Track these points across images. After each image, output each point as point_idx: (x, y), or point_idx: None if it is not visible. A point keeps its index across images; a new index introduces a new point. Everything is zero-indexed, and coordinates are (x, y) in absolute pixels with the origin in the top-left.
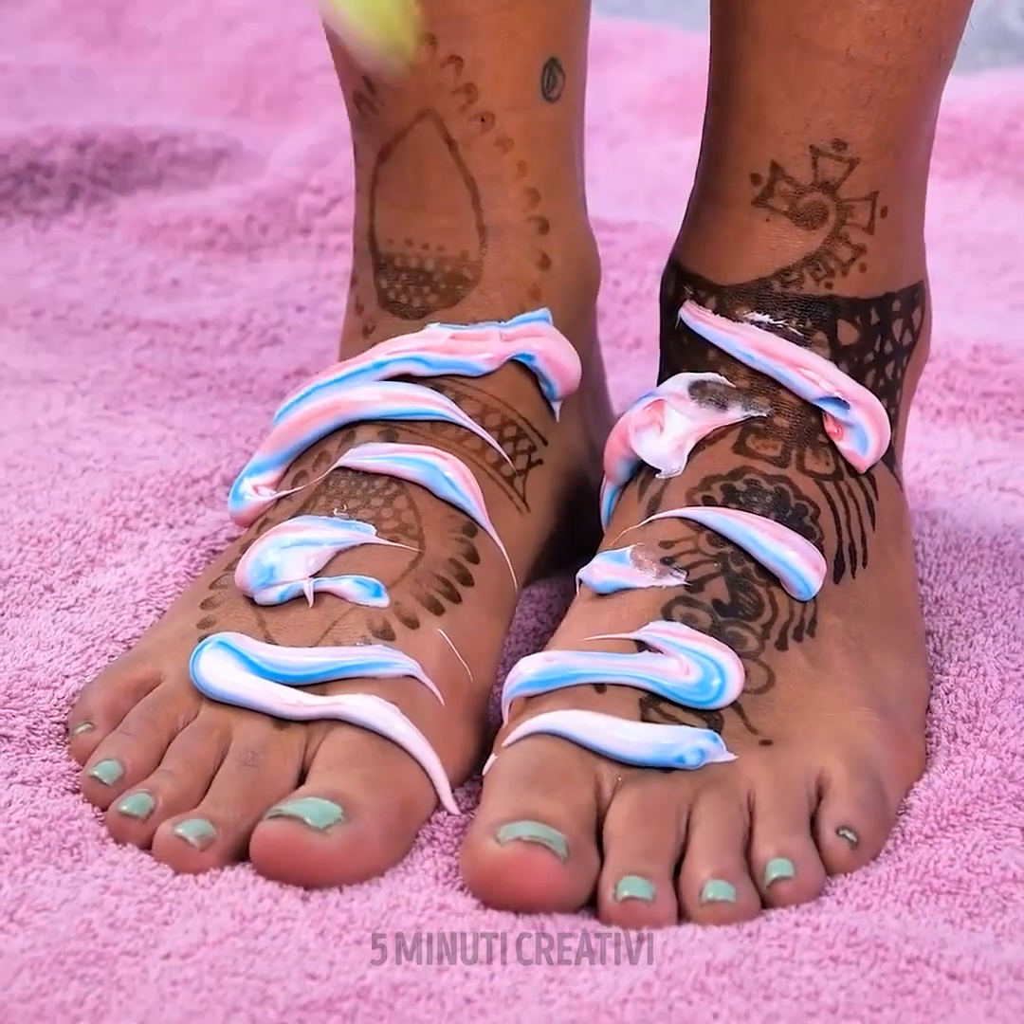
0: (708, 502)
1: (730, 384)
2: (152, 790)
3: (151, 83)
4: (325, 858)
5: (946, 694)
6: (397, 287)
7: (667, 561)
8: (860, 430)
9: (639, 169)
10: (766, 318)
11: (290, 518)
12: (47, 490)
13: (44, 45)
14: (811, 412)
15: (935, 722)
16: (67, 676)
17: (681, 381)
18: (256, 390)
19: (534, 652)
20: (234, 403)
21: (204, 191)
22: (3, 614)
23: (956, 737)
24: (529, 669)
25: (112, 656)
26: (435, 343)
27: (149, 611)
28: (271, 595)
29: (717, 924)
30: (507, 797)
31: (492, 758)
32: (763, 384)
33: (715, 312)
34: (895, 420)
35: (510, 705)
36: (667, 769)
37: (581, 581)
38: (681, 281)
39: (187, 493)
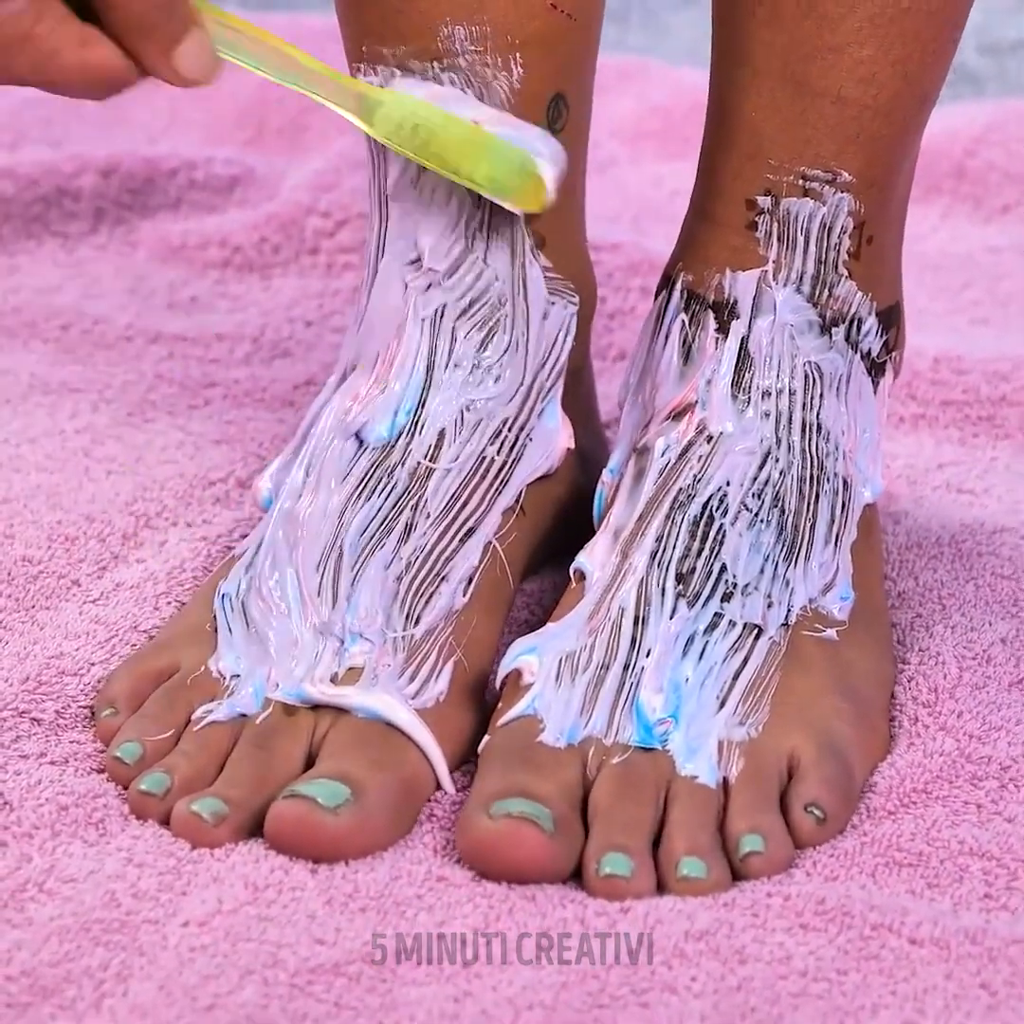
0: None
1: None
2: (169, 769)
3: (171, 115)
4: (335, 835)
5: (908, 681)
6: None
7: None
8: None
9: (624, 192)
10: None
11: None
12: (74, 492)
13: None
14: None
15: (898, 707)
16: (93, 664)
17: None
18: (268, 399)
19: None
20: (248, 411)
21: (220, 214)
22: (33, 607)
23: (917, 721)
24: (518, 647)
25: (135, 645)
26: None
27: (169, 603)
28: None
29: (692, 896)
30: (499, 775)
31: (486, 738)
32: None
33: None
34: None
35: (502, 686)
36: (648, 748)
37: (575, 570)
38: (674, 296)
39: (204, 494)
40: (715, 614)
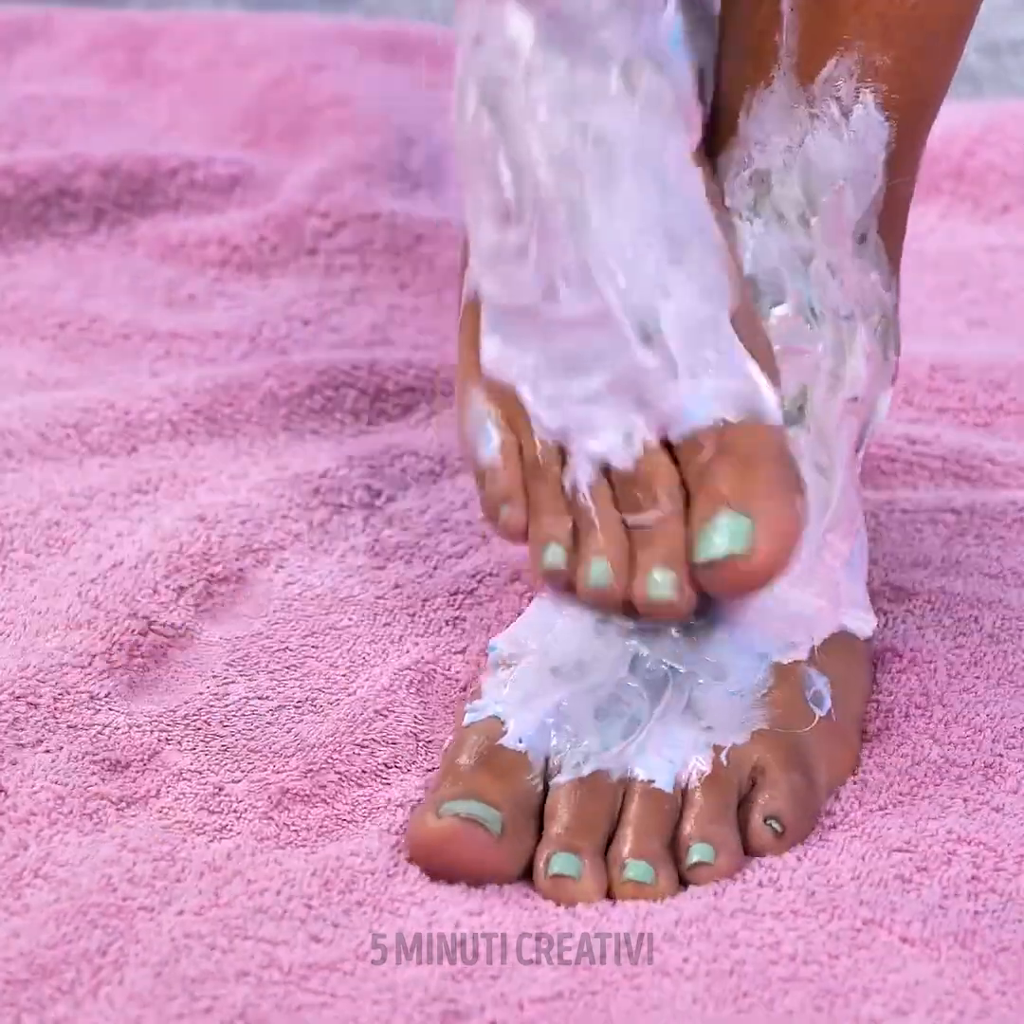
0: None
1: None
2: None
3: (171, 115)
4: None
5: (893, 681)
6: None
7: None
8: None
9: None
10: None
11: None
12: (69, 482)
13: (72, 79)
14: None
15: (885, 710)
16: (94, 655)
17: None
18: None
19: None
20: None
21: (219, 214)
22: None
23: (906, 720)
24: (498, 642)
25: (134, 630)
26: None
27: (168, 588)
28: None
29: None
30: (455, 776)
31: (450, 738)
32: None
33: None
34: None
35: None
36: (608, 747)
37: None
38: None
39: (197, 490)
40: None
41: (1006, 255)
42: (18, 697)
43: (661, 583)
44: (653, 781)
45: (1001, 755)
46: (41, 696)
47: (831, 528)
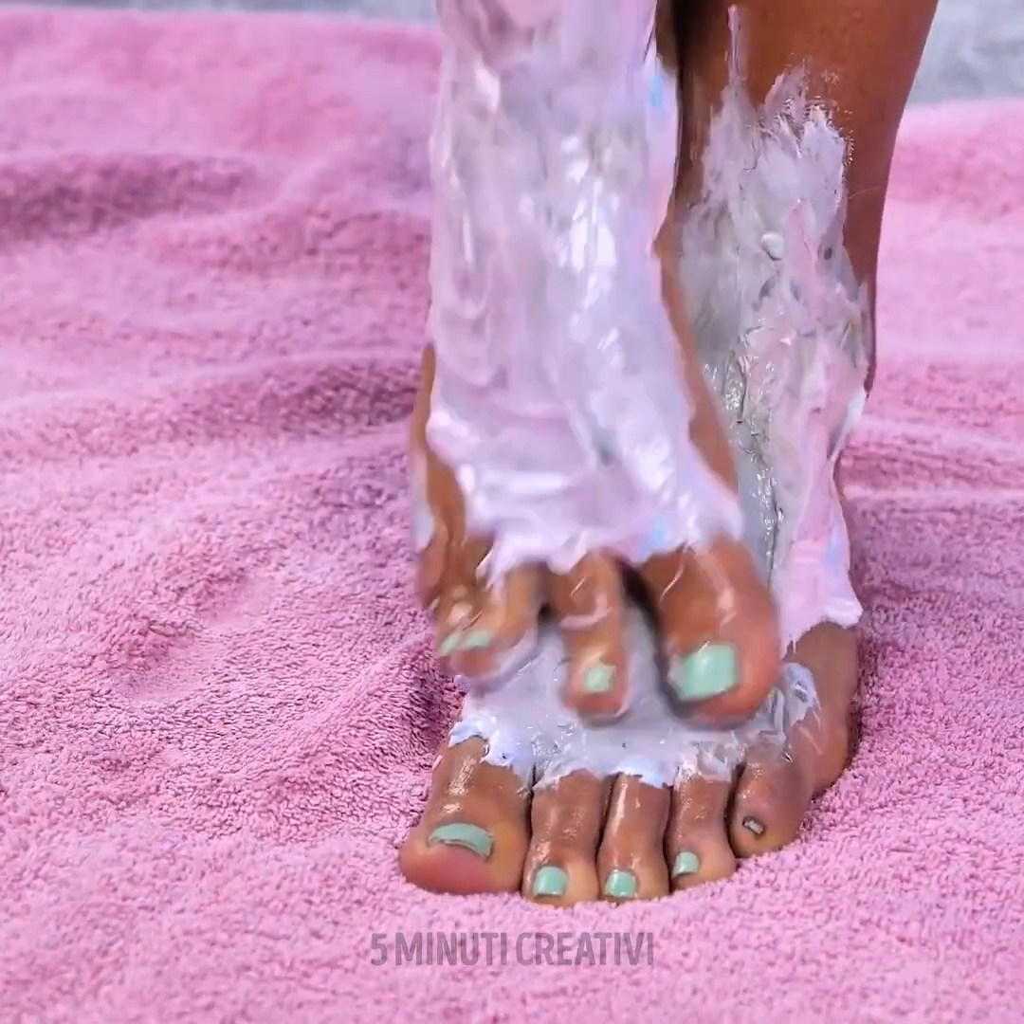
0: None
1: None
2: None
3: (171, 115)
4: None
5: (892, 679)
6: None
7: None
8: None
9: None
10: None
11: None
12: (68, 482)
13: (72, 79)
14: None
15: (886, 705)
16: (94, 656)
17: None
18: None
19: None
20: None
21: (219, 214)
22: (34, 582)
23: (910, 714)
24: None
25: (134, 630)
26: None
27: (168, 589)
28: None
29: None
30: (442, 800)
31: (439, 758)
32: None
33: None
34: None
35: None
36: (591, 750)
37: None
38: None
39: (197, 490)
40: None
41: (1006, 255)
42: (18, 697)
43: (599, 679)
44: (640, 776)
45: (1001, 755)
46: (41, 696)
47: (802, 535)
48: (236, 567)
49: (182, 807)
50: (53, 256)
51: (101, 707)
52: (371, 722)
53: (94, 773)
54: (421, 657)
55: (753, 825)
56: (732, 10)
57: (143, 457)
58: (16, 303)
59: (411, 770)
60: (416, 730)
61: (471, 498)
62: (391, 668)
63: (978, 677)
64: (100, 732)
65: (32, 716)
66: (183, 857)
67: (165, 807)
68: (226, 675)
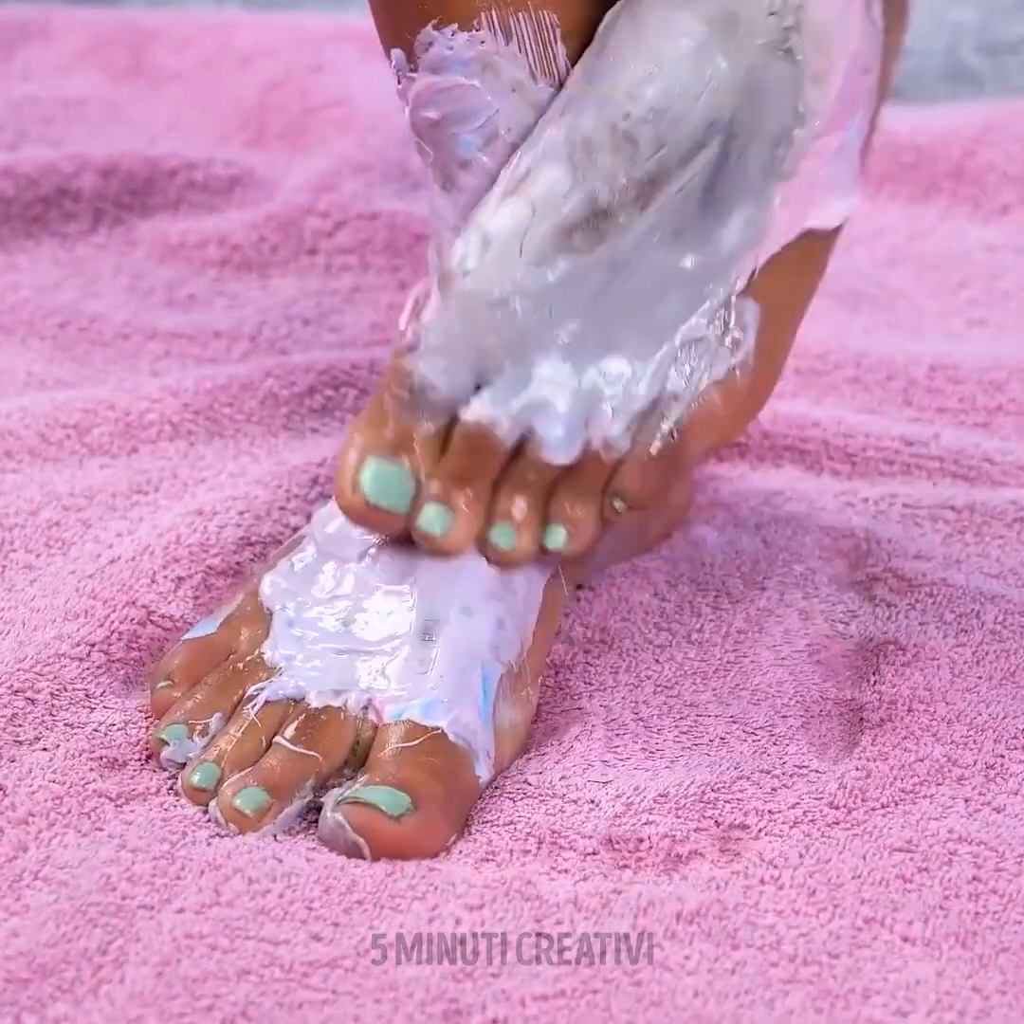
0: None
1: None
2: (218, 759)
3: (171, 115)
4: (398, 843)
5: (895, 676)
6: None
7: None
8: None
9: None
10: None
11: None
12: (68, 482)
13: (72, 79)
14: None
15: (888, 700)
16: (92, 645)
17: None
18: None
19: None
20: None
21: (219, 214)
22: (34, 581)
23: (912, 712)
24: None
25: (132, 619)
26: None
27: (166, 578)
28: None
29: (499, 566)
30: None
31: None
32: None
33: None
34: None
35: None
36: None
37: None
38: None
39: (197, 489)
40: None
41: (1006, 255)
42: (16, 691)
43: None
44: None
45: (1003, 756)
46: (39, 691)
47: (822, 133)
48: (233, 561)
49: (182, 806)
50: (53, 256)
51: (96, 707)
52: None
53: (92, 771)
54: None
55: (616, 502)
56: None
57: (143, 457)
58: (16, 303)
59: None
60: None
61: (277, 631)
62: None
63: (980, 677)
64: (96, 730)
65: (30, 713)
66: (182, 856)
67: (165, 806)
68: None
